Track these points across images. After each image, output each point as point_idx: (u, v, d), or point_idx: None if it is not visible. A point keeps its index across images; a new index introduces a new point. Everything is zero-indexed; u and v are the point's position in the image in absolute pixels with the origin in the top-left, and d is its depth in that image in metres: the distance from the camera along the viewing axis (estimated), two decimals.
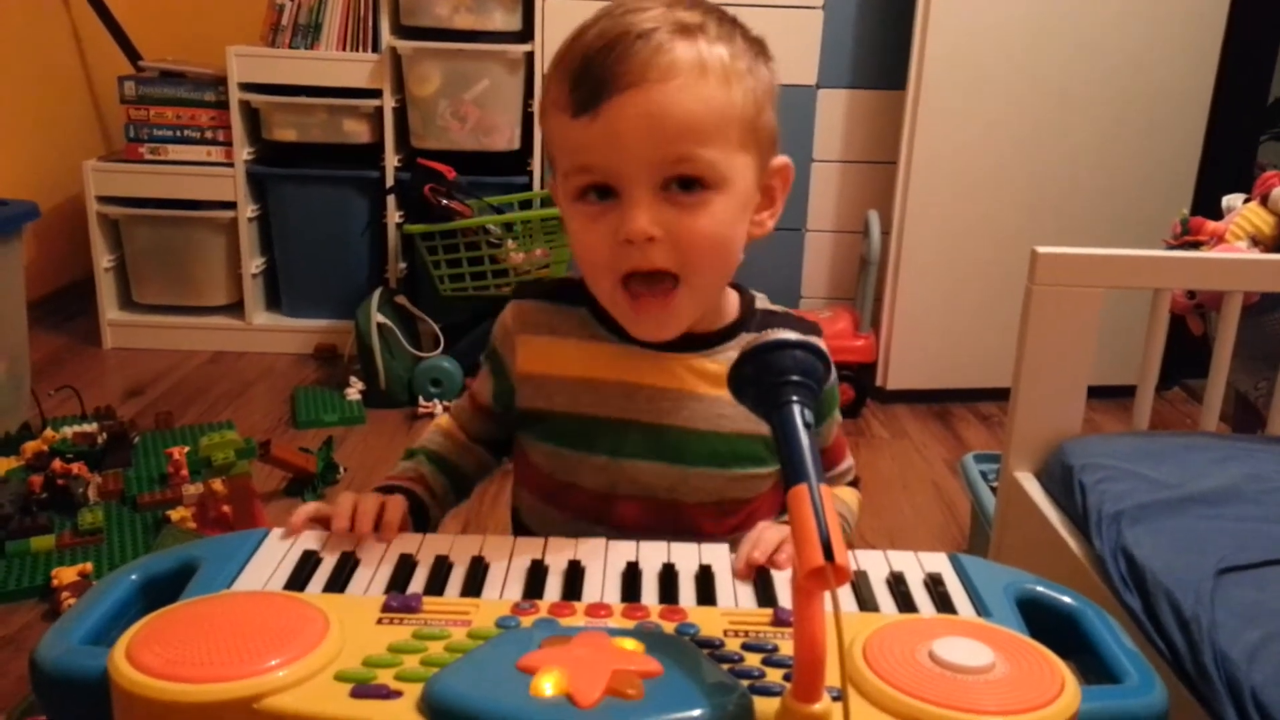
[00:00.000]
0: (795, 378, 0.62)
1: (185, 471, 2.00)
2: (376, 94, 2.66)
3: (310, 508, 0.82)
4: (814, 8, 2.55)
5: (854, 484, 0.99)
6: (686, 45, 0.75)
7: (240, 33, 2.81)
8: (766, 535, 0.78)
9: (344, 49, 2.70)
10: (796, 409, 0.61)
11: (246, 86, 2.67)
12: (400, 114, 2.71)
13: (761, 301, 0.91)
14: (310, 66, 2.68)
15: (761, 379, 0.63)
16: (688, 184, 0.76)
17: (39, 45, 2.89)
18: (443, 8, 2.58)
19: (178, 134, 2.71)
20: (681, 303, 0.80)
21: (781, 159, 0.84)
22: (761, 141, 0.80)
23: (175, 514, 1.86)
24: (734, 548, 0.78)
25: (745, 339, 0.84)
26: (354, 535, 0.78)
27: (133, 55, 2.86)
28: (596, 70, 0.75)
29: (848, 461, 0.98)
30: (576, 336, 0.87)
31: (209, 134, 2.71)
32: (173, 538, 1.78)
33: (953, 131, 2.43)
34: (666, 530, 0.82)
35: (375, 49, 2.67)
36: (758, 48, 0.81)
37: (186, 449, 2.06)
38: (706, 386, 0.85)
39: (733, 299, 0.89)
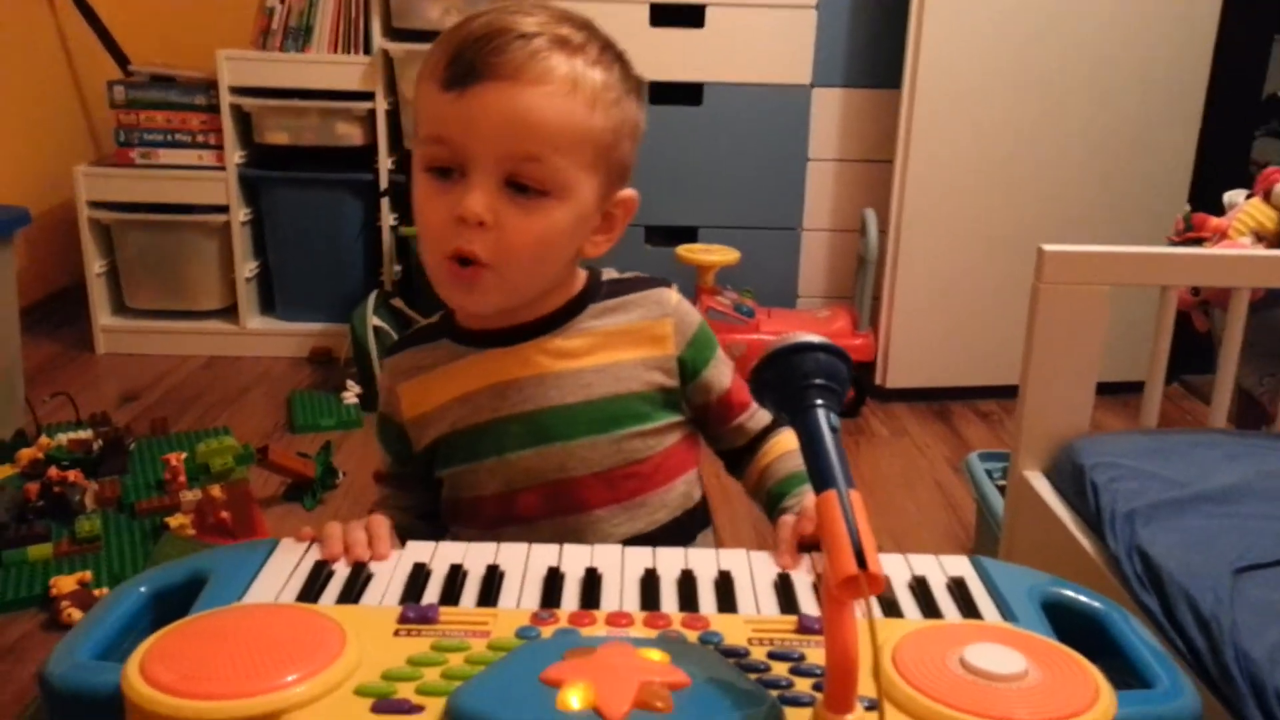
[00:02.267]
0: (819, 381, 0.61)
1: (183, 478, 1.98)
2: (369, 96, 2.64)
3: (308, 534, 0.80)
4: (807, 7, 2.53)
5: (777, 424, 0.97)
6: (564, 59, 0.80)
7: (230, 36, 2.78)
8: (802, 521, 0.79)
9: (335, 51, 2.68)
10: (821, 413, 0.60)
11: (237, 90, 2.65)
12: (393, 116, 2.69)
13: (608, 273, 0.94)
14: (301, 69, 2.66)
15: (784, 382, 0.62)
16: (526, 185, 0.79)
17: (27, 51, 2.87)
18: (434, 9, 2.57)
19: (168, 138, 2.69)
20: (487, 284, 0.82)
21: (629, 191, 0.88)
22: (612, 170, 0.84)
23: (174, 521, 1.84)
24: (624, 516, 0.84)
25: (595, 309, 0.89)
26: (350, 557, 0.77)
27: (121, 60, 2.84)
28: (472, 55, 0.78)
29: (753, 405, 0.96)
30: (444, 363, 0.90)
31: (200, 138, 2.69)
32: (172, 545, 1.77)
33: (949, 129, 2.42)
34: (569, 509, 0.87)
35: (367, 51, 2.65)
36: (634, 85, 0.85)
37: (184, 455, 2.04)
38: (566, 362, 0.88)
39: (579, 277, 0.91)
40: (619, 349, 0.89)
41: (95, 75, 2.89)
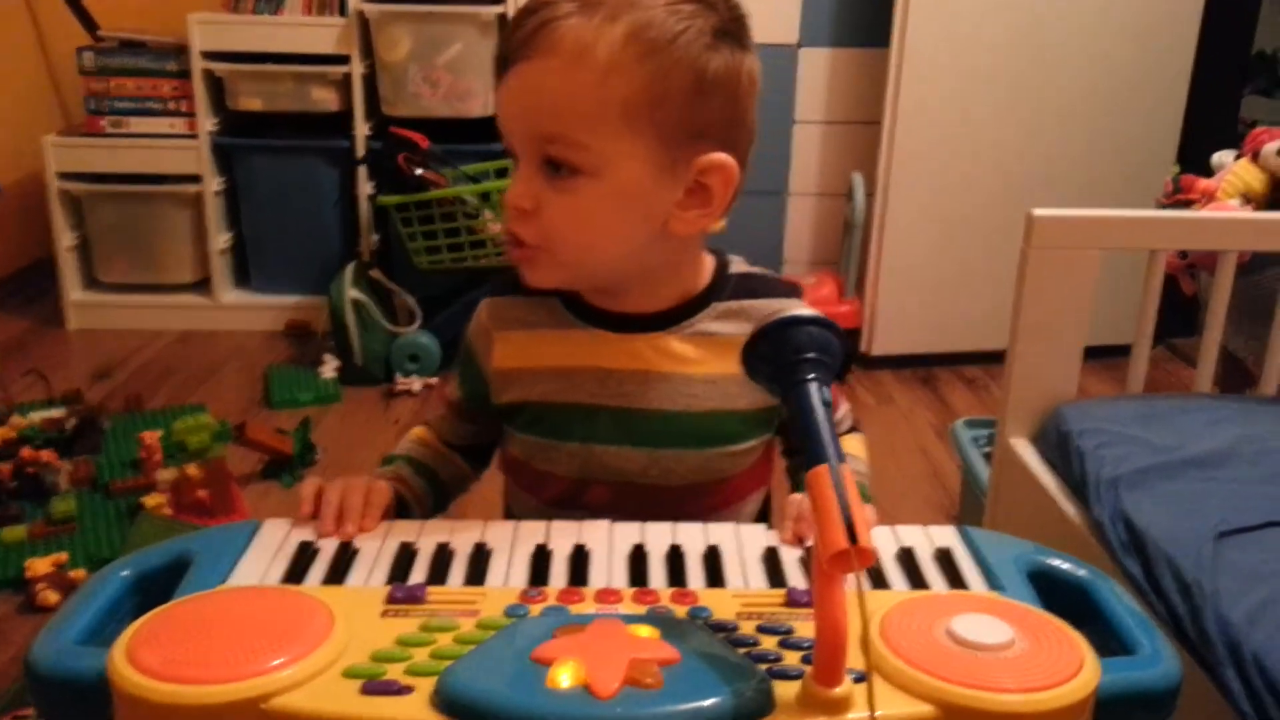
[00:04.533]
0: (811, 355, 0.61)
1: (159, 457, 1.96)
2: (344, 60, 2.60)
3: (310, 489, 0.79)
4: None
5: (855, 429, 0.97)
6: (577, 23, 0.73)
7: None
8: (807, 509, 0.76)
9: (310, 13, 2.63)
10: (814, 387, 0.60)
11: (209, 55, 2.60)
12: (370, 81, 2.65)
13: (737, 265, 0.89)
14: (275, 32, 2.62)
15: (777, 357, 0.61)
16: (558, 164, 0.76)
17: None
18: None
19: (139, 105, 2.64)
20: (542, 263, 0.80)
21: (716, 156, 0.77)
22: (666, 131, 0.75)
23: (150, 500, 1.82)
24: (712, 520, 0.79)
25: (718, 308, 0.84)
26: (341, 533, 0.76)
27: (90, 25, 2.77)
28: (505, 39, 0.77)
29: (844, 408, 0.96)
30: (549, 326, 0.86)
31: (171, 105, 2.64)
32: (149, 525, 1.75)
33: (937, 90, 2.41)
34: (639, 513, 0.81)
35: (342, 13, 2.61)
36: (698, 30, 0.75)
37: (159, 433, 2.02)
38: (675, 365, 0.84)
39: (705, 267, 0.87)
40: (733, 361, 0.79)
41: (64, 42, 2.83)
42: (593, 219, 0.77)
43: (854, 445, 0.95)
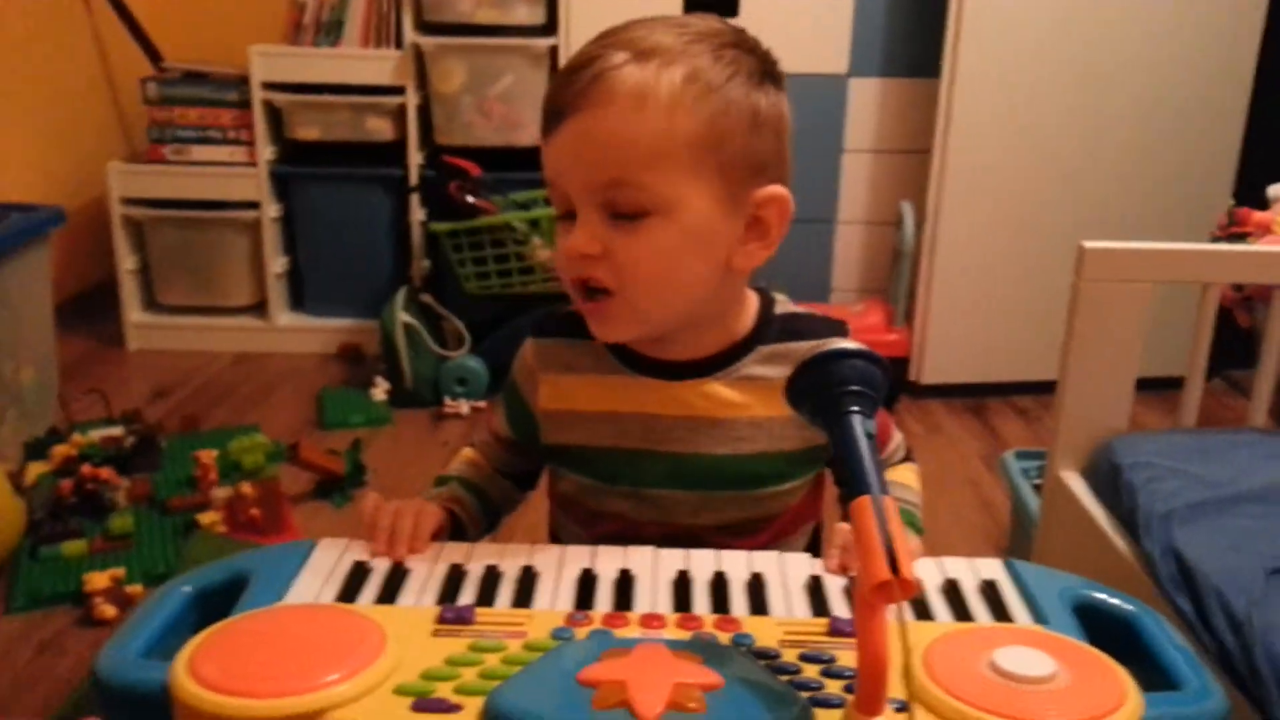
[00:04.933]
0: (855, 387, 0.62)
1: (214, 475, 2.00)
2: (400, 91, 2.66)
3: (371, 504, 0.81)
4: None
5: (908, 458, 0.98)
6: (633, 70, 0.76)
7: (262, 32, 2.81)
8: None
9: (367, 46, 2.70)
10: (857, 420, 0.61)
11: (269, 86, 2.67)
12: (424, 111, 2.71)
13: (782, 305, 0.89)
14: (333, 64, 2.68)
15: (820, 390, 0.62)
16: (623, 210, 0.77)
17: (60, 48, 2.90)
18: (465, 3, 2.57)
19: (201, 135, 2.72)
20: (618, 312, 0.80)
21: (773, 189, 0.80)
22: (730, 168, 0.78)
23: (205, 518, 1.87)
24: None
25: (763, 352, 0.85)
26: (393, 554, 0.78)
27: (154, 56, 2.87)
28: (555, 94, 0.78)
29: (896, 439, 0.97)
30: (594, 371, 0.87)
31: (232, 134, 2.71)
32: (204, 542, 1.79)
33: (988, 119, 2.40)
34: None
35: (398, 45, 2.67)
36: (748, 70, 0.79)
37: (215, 452, 2.07)
38: (722, 411, 0.85)
39: (750, 308, 0.87)
40: (778, 403, 0.81)
41: (128, 72, 2.93)
42: (668, 257, 0.78)
43: (906, 475, 0.95)
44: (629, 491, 0.87)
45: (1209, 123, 2.46)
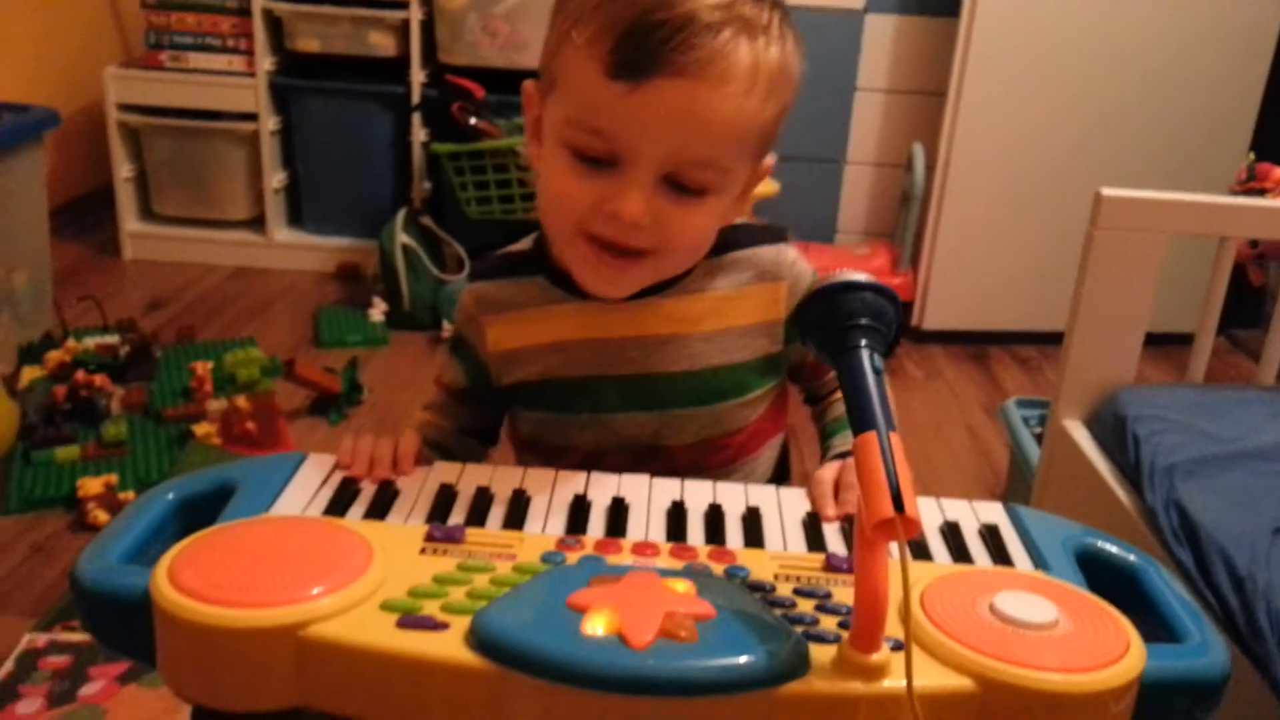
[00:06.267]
0: (864, 321, 0.60)
1: (209, 387, 1.99)
2: (403, 5, 2.58)
3: (348, 444, 0.79)
4: None
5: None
6: (748, 48, 0.71)
7: None
8: (845, 478, 0.76)
9: None
10: (865, 354, 0.59)
11: None
12: (428, 27, 2.63)
13: None
14: None
15: (829, 322, 0.60)
16: (691, 183, 0.74)
17: None
18: None
19: (199, 41, 2.65)
20: (644, 274, 0.79)
21: (771, 159, 0.82)
22: (765, 147, 0.79)
23: (199, 429, 1.86)
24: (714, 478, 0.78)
25: (707, 265, 0.84)
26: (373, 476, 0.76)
27: None
28: (652, 43, 0.69)
29: None
30: (538, 304, 0.86)
31: (230, 42, 2.65)
32: (198, 453, 1.79)
33: (1006, 63, 2.34)
34: (658, 474, 0.80)
35: None
36: (799, 42, 0.77)
37: (210, 364, 2.05)
38: (674, 327, 0.83)
39: None
40: (729, 316, 0.84)
41: None
42: (709, 229, 0.79)
43: None
44: (588, 419, 0.86)
45: (1229, 74, 2.41)
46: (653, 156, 0.72)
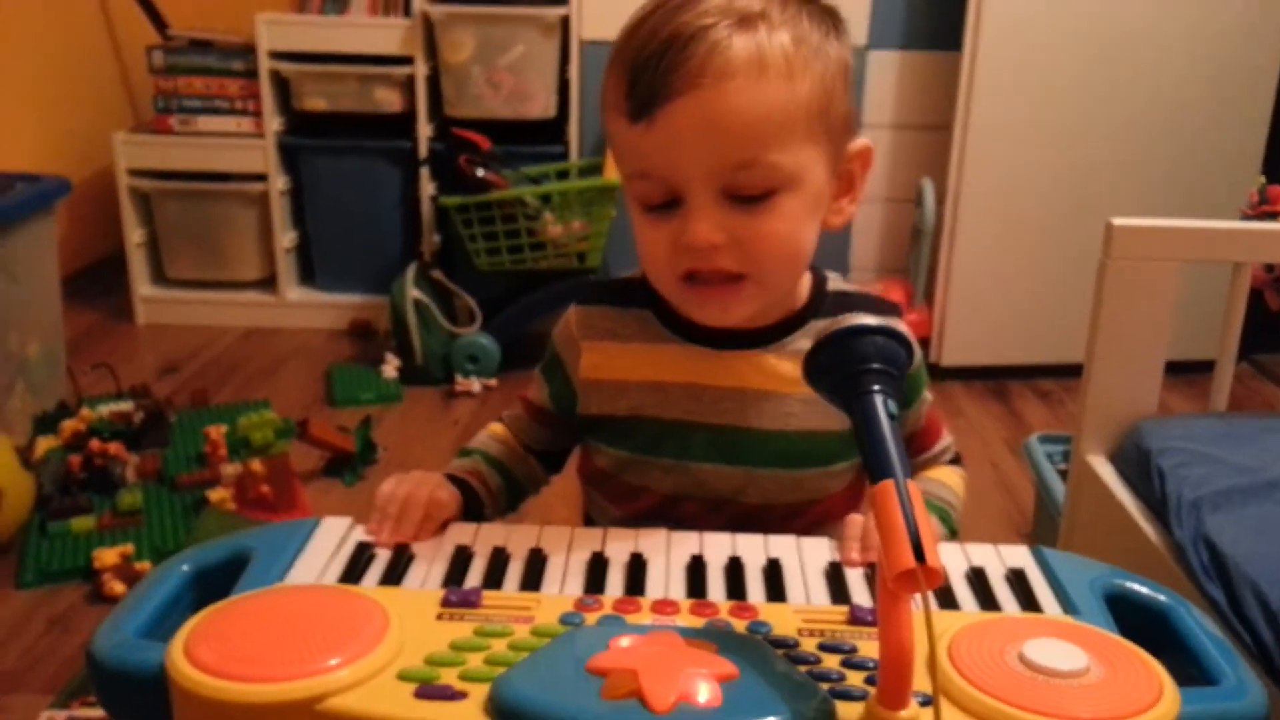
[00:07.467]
0: (876, 365, 0.59)
1: (223, 451, 1.99)
2: (408, 61, 2.62)
3: (383, 492, 0.79)
4: None
5: (955, 461, 0.95)
6: (745, 39, 0.71)
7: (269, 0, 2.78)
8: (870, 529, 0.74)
9: (375, 14, 2.67)
10: (879, 399, 0.58)
11: (276, 55, 2.64)
12: (433, 82, 2.67)
13: (835, 282, 0.87)
14: (340, 33, 2.65)
15: (839, 367, 0.60)
16: (747, 194, 0.73)
17: (65, 16, 2.87)
18: None
19: (207, 105, 2.69)
20: (748, 295, 0.77)
21: (860, 141, 0.79)
22: (834, 129, 0.76)
23: (214, 494, 1.85)
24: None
25: (816, 326, 0.81)
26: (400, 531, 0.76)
27: (160, 25, 2.83)
28: (650, 73, 0.71)
29: (945, 440, 0.94)
30: (640, 340, 0.84)
31: (239, 104, 2.68)
32: (213, 519, 1.78)
33: (1011, 95, 2.35)
34: (731, 531, 0.79)
35: (407, 14, 2.63)
36: (828, 23, 0.76)
37: (224, 428, 2.05)
38: (773, 384, 0.82)
39: (805, 283, 0.85)
40: None
41: (134, 41, 2.89)
42: (800, 233, 0.76)
43: (950, 476, 0.92)
44: (672, 464, 0.84)
45: (1239, 100, 2.40)
46: (697, 177, 0.72)
